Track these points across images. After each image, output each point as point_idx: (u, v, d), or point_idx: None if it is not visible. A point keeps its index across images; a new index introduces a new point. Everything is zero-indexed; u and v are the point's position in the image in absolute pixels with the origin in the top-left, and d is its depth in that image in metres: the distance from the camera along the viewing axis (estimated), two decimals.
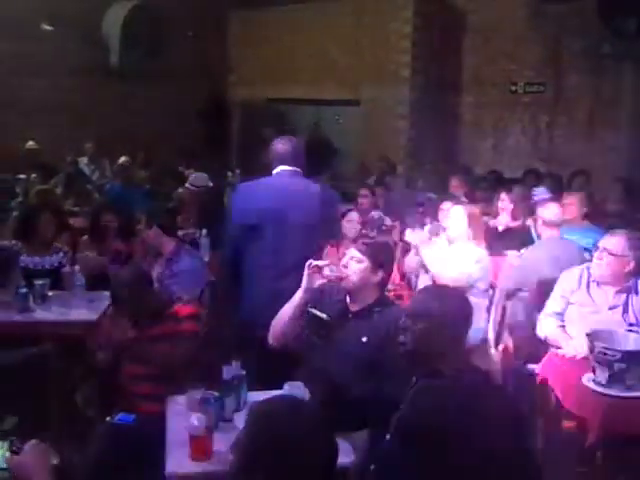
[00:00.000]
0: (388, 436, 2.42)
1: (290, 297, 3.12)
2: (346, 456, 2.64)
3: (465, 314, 2.57)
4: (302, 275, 3.05)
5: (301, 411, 1.71)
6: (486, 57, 9.77)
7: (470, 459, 2.27)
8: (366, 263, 3.03)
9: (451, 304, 2.52)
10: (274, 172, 3.73)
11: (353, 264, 3.05)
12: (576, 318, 3.54)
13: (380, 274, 3.07)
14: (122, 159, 8.53)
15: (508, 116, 9.64)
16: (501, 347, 4.23)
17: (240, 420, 2.72)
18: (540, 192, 6.22)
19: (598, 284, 3.54)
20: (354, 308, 3.07)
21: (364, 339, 2.95)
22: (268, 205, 3.60)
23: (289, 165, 3.68)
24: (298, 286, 3.07)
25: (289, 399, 1.62)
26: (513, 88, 9.53)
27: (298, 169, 3.71)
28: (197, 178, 7.04)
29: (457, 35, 10.00)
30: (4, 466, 1.53)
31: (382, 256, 3.13)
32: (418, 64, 9.71)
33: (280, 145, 3.72)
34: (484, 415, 2.32)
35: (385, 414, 2.48)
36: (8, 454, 1.55)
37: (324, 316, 3.07)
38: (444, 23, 9.93)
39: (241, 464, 1.60)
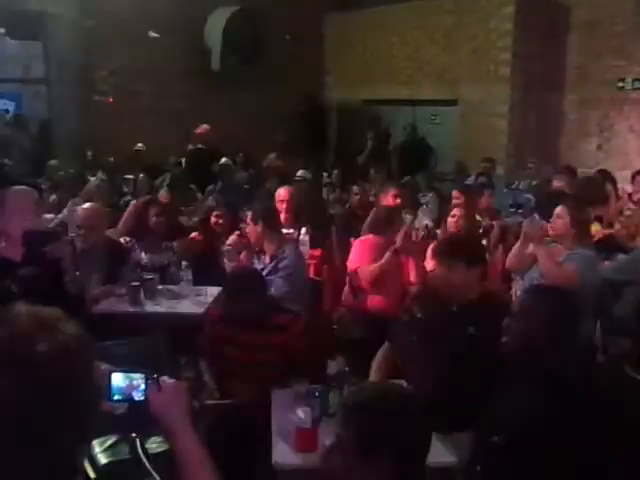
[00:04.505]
0: (496, 438, 2.38)
1: None
2: (448, 456, 2.63)
3: (573, 315, 2.49)
4: None
5: (400, 394, 1.75)
6: (591, 53, 9.39)
7: (580, 463, 2.21)
8: (460, 263, 3.00)
9: (558, 305, 2.45)
10: None
11: (444, 271, 3.02)
12: None
13: (475, 269, 3.03)
14: (223, 160, 8.77)
15: (615, 114, 9.22)
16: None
17: None
18: None
19: None
20: (456, 305, 3.04)
21: (467, 335, 2.91)
22: None
23: None
24: None
25: (382, 385, 1.66)
26: (620, 84, 9.10)
27: None
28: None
29: (560, 31, 9.66)
30: (142, 398, 1.45)
31: (472, 251, 3.12)
32: (519, 62, 9.46)
33: None
34: (597, 420, 2.25)
35: (489, 414, 2.44)
36: (148, 387, 1.45)
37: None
38: (546, 19, 9.62)
39: (358, 452, 1.61)
